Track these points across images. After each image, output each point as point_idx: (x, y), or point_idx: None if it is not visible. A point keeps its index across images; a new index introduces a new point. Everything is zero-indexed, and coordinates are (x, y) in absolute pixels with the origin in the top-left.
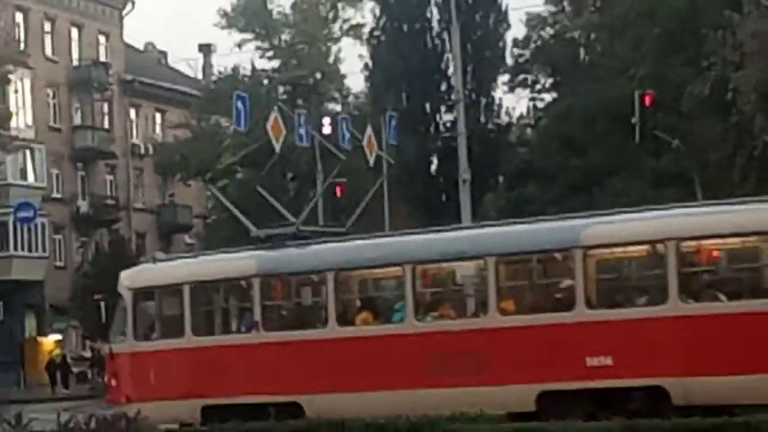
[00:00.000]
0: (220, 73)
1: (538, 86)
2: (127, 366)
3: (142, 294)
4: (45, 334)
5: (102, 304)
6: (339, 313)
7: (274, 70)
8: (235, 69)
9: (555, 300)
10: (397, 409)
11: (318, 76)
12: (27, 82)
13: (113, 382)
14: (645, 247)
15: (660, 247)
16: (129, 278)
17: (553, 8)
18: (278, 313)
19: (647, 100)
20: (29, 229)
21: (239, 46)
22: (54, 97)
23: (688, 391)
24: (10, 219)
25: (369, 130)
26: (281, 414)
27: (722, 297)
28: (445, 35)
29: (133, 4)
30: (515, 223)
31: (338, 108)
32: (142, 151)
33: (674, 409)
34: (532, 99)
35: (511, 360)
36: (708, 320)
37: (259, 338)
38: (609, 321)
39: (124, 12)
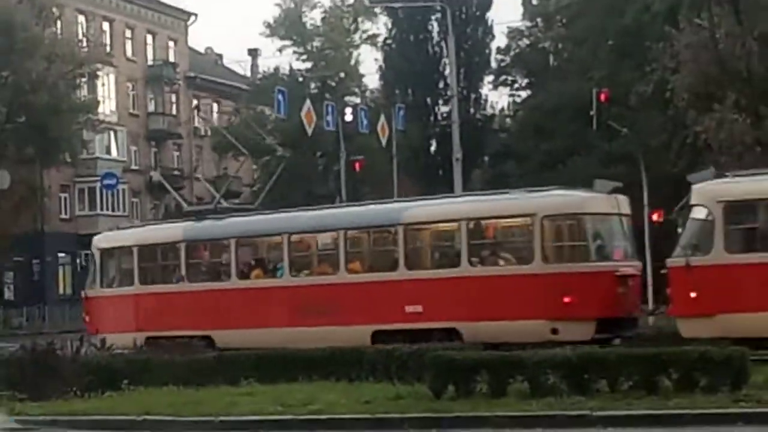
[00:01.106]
0: (264, 72)
1: (516, 85)
2: (96, 307)
3: (107, 253)
4: None
5: None
6: (239, 270)
7: (307, 70)
8: (276, 69)
9: (384, 262)
10: (278, 342)
11: (342, 75)
12: (112, 78)
13: (87, 319)
14: (446, 224)
15: (455, 224)
16: (98, 241)
17: (529, 23)
18: (198, 269)
19: (602, 97)
20: (112, 194)
21: (280, 50)
22: (133, 89)
23: (475, 332)
24: (98, 186)
25: (382, 119)
26: (200, 344)
27: (501, 262)
28: (443, 44)
29: (196, 16)
30: (359, 205)
31: (357, 100)
32: (202, 132)
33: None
34: (511, 95)
35: (355, 307)
36: (488, 279)
37: (184, 287)
38: (421, 279)
39: (189, 22)
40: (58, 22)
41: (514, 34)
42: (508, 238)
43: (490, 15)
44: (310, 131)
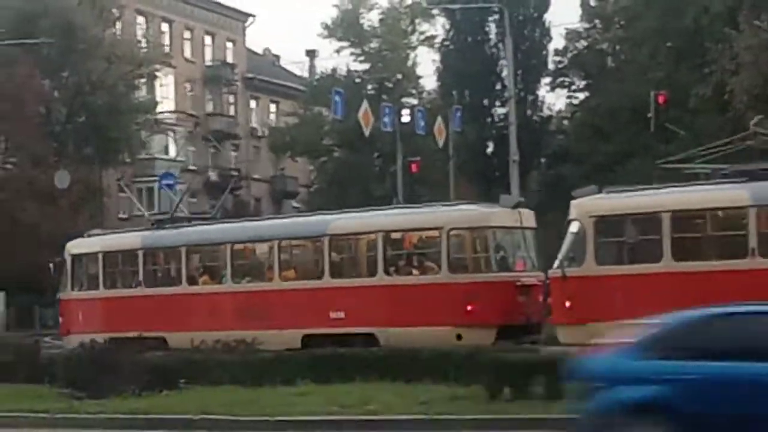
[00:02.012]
0: (322, 73)
1: (573, 87)
2: (67, 309)
3: (77, 258)
4: None
5: None
6: (188, 276)
7: (364, 72)
8: (334, 70)
9: (313, 271)
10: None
11: (399, 76)
12: (171, 78)
13: (60, 320)
14: (365, 236)
15: (373, 236)
16: (70, 247)
17: (587, 25)
18: (154, 275)
19: (660, 99)
20: (171, 194)
21: (337, 51)
22: (191, 90)
23: (390, 337)
24: (156, 186)
25: (439, 120)
26: (154, 345)
27: (414, 272)
28: (500, 45)
29: (254, 17)
30: (291, 217)
31: (414, 102)
32: (260, 133)
33: None
34: (569, 97)
35: (287, 312)
36: (402, 288)
37: (142, 292)
38: (343, 287)
39: (247, 23)
40: (118, 23)
41: (571, 35)
42: (419, 249)
43: (548, 16)
44: (367, 132)
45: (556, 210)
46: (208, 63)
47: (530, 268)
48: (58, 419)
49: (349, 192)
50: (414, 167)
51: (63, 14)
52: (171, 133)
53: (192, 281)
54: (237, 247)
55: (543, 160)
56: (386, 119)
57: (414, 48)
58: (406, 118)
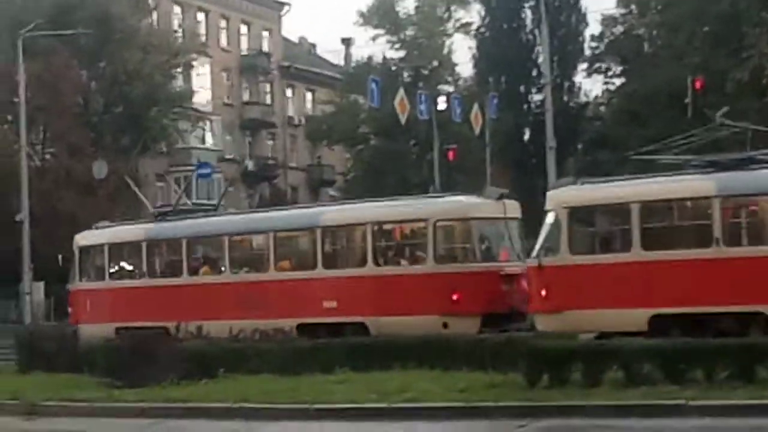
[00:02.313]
0: (357, 61)
1: (610, 73)
2: (76, 299)
3: (84, 250)
4: None
5: None
6: (189, 267)
7: (400, 59)
8: (370, 58)
9: (306, 261)
10: (224, 333)
11: (435, 64)
12: (207, 68)
13: (70, 310)
14: (355, 227)
15: (363, 228)
16: (78, 239)
17: (623, 10)
18: (157, 266)
19: (697, 84)
20: (207, 183)
21: (373, 39)
22: (228, 79)
23: (379, 326)
24: (193, 175)
25: (475, 107)
26: (158, 334)
27: (402, 262)
28: (536, 32)
29: (290, 6)
30: (287, 209)
31: (450, 89)
32: (296, 121)
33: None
34: (605, 83)
35: (283, 302)
36: (390, 278)
37: (145, 283)
38: (336, 277)
39: (282, 12)
40: (154, 13)
41: (608, 21)
42: (406, 240)
43: (584, 2)
44: (403, 120)
45: None
46: (244, 52)
47: (514, 258)
48: (97, 408)
49: (386, 180)
50: (451, 154)
51: (99, 4)
52: (208, 123)
53: (193, 272)
54: (235, 238)
55: (580, 146)
56: (422, 107)
57: (450, 35)
58: (442, 105)
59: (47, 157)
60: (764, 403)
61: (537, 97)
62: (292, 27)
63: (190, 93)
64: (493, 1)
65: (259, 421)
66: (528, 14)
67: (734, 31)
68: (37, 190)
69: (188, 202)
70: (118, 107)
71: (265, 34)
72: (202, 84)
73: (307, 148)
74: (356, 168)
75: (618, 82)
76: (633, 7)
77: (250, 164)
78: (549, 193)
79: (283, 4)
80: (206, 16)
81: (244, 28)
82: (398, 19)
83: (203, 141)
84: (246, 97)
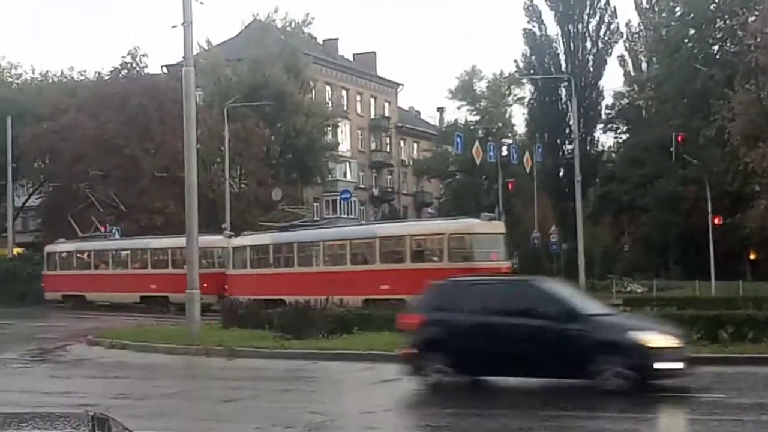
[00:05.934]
0: (448, 122)
1: (618, 130)
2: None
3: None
4: None
5: None
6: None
7: (476, 122)
8: (456, 121)
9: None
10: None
11: (499, 124)
12: (347, 126)
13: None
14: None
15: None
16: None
17: (628, 88)
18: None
19: (679, 138)
20: (347, 204)
21: (458, 108)
22: (361, 135)
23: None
24: (338, 198)
25: (527, 154)
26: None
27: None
28: (569, 103)
29: (403, 85)
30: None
31: (510, 141)
32: (407, 163)
33: None
34: (615, 137)
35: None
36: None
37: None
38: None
39: (398, 90)
40: (313, 91)
41: (618, 95)
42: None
43: (602, 82)
44: (478, 162)
45: (606, 213)
46: (372, 116)
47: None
48: (274, 352)
49: (466, 203)
50: (510, 186)
51: (278, 84)
52: (347, 163)
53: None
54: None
55: (597, 180)
56: (491, 153)
57: (510, 105)
58: (504, 152)
59: (242, 186)
60: None
61: (568, 147)
62: (405, 99)
63: (336, 144)
64: (539, 83)
65: (380, 363)
66: (563, 91)
67: (705, 103)
68: (235, 209)
69: (333, 216)
70: (288, 153)
71: (386, 104)
72: (344, 138)
73: (413, 181)
74: (446, 194)
75: (624, 137)
76: (635, 86)
77: (375, 191)
78: None
79: (398, 84)
80: (347, 92)
81: (372, 100)
82: (475, 94)
83: (345, 175)
84: (373, 146)
